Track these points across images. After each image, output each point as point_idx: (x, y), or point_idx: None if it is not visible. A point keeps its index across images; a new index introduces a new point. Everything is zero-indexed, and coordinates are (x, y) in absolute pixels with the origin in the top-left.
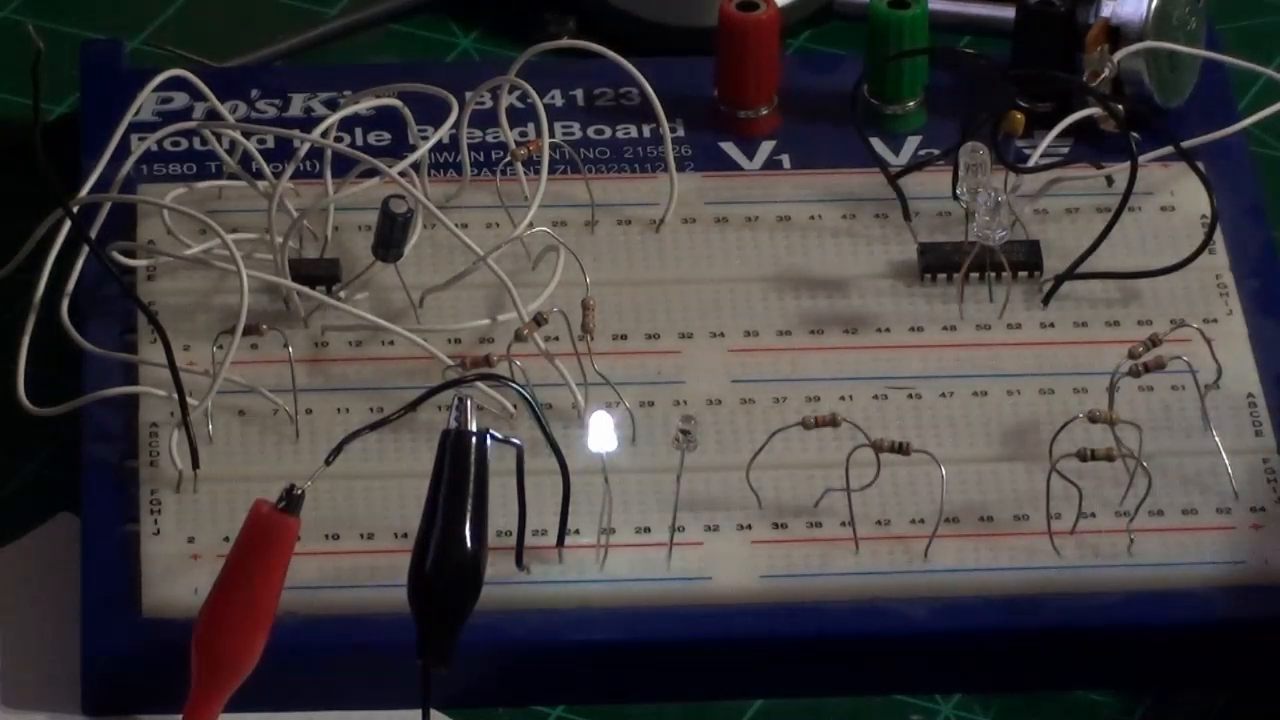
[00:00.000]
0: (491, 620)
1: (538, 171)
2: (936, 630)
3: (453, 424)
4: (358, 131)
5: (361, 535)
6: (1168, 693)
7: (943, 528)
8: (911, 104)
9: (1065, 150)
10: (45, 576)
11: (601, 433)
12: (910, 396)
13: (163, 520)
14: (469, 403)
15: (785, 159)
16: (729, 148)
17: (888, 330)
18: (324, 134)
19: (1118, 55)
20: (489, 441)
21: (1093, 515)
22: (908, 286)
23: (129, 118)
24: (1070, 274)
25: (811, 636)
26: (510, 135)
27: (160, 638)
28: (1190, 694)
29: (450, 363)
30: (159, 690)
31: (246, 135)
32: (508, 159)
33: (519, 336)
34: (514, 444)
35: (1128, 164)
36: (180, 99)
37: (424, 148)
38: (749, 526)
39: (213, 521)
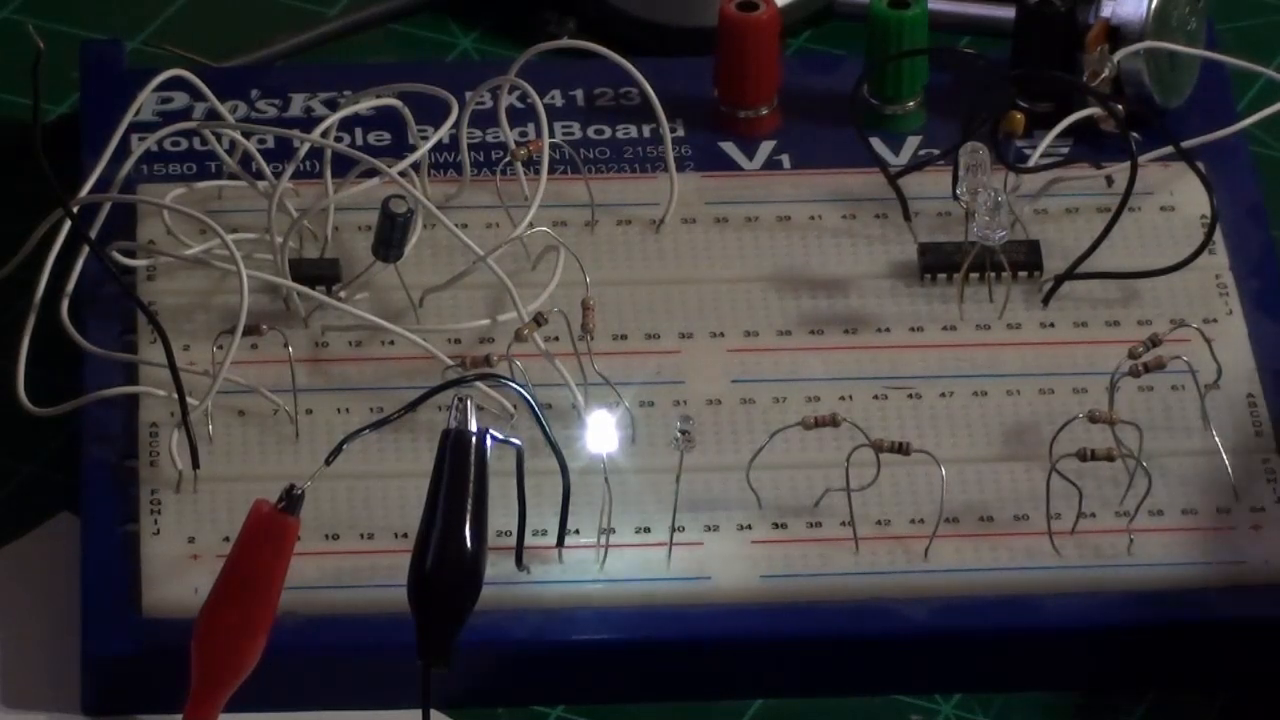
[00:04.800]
0: (491, 620)
1: (538, 171)
2: (936, 630)
3: (453, 424)
4: (358, 131)
5: (361, 535)
6: (1168, 693)
7: (943, 528)
8: (911, 104)
9: (1065, 150)
10: (45, 576)
11: (601, 433)
12: (910, 396)
13: (163, 520)
14: (469, 403)
15: (785, 159)
16: (729, 148)
17: (888, 330)
18: (324, 134)
19: (1118, 55)
20: (489, 441)
21: (1093, 515)
22: (908, 286)
23: (129, 118)
24: (1070, 274)
25: (811, 636)
26: (510, 135)
27: (160, 638)
28: (1190, 694)
29: (450, 363)
30: (159, 690)
31: (246, 135)
32: (508, 159)
33: (519, 336)
34: (514, 444)
35: (1128, 164)
36: (180, 99)
37: (424, 148)
38: (749, 526)
39: (213, 521)
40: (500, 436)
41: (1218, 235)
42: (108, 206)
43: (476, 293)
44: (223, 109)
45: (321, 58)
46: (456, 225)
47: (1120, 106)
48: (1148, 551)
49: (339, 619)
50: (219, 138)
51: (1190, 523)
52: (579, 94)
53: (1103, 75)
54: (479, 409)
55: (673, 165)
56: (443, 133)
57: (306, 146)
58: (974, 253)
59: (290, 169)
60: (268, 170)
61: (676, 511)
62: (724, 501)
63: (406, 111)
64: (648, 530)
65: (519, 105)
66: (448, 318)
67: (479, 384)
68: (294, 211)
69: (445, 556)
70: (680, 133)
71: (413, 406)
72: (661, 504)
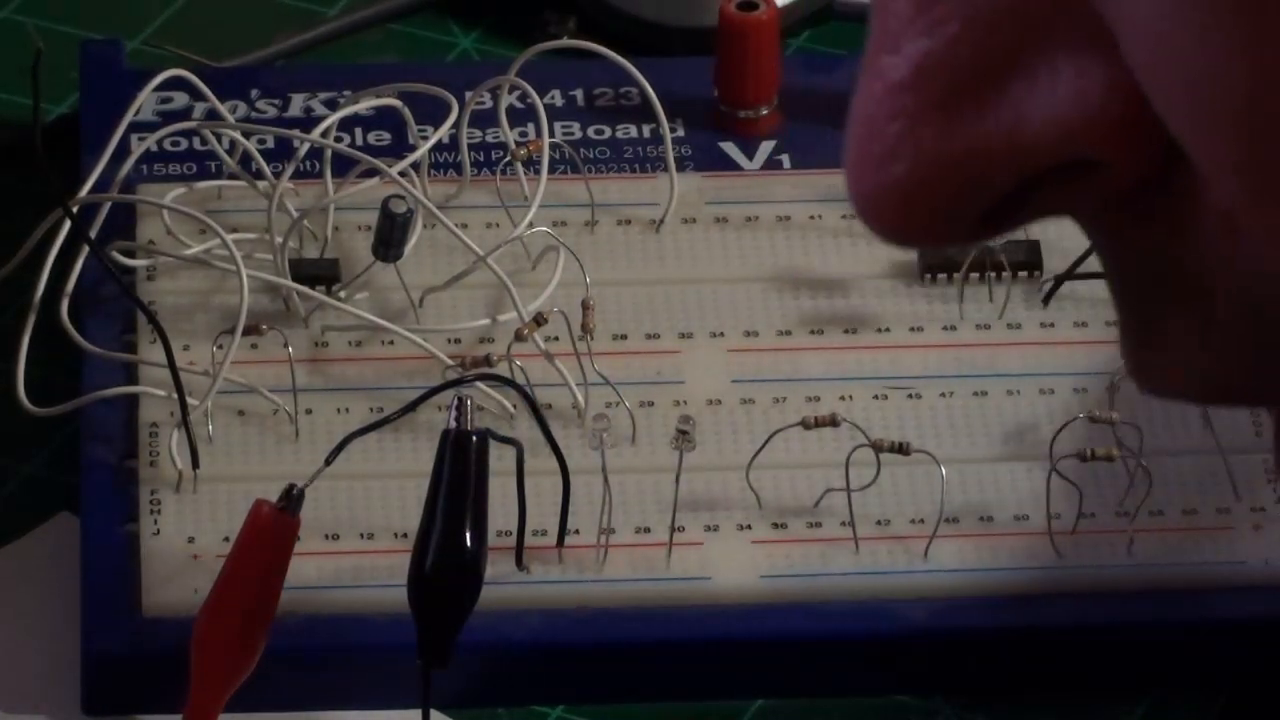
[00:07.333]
0: (491, 620)
1: (538, 171)
2: (936, 630)
3: (453, 424)
4: (358, 131)
5: (361, 535)
6: (1168, 693)
7: (943, 528)
8: None
9: None
10: (45, 576)
11: (601, 433)
12: (910, 396)
13: (163, 520)
14: (469, 403)
15: (785, 159)
16: (729, 148)
17: (888, 330)
18: (324, 134)
19: None
20: (489, 441)
21: (1093, 515)
22: (908, 286)
23: (129, 118)
24: (1070, 274)
25: (811, 636)
26: (510, 135)
27: (160, 638)
28: (1190, 694)
29: (450, 363)
30: (159, 690)
31: (246, 135)
32: (508, 159)
33: (519, 336)
34: (514, 444)
35: None
36: (180, 99)
37: (424, 148)
38: (749, 526)
39: (213, 521)
40: (500, 436)
41: None
42: (107, 206)
43: (476, 293)
44: (223, 109)
45: (321, 58)
46: (456, 225)
47: None
48: (1148, 551)
49: (339, 619)
50: (219, 138)
51: (1190, 523)
52: (579, 94)
53: None
54: (479, 409)
55: (673, 165)
56: (443, 133)
57: (306, 146)
58: (974, 253)
59: (290, 169)
60: (268, 170)
61: (676, 511)
62: (724, 501)
63: (406, 111)
64: (648, 530)
65: (519, 105)
66: (448, 318)
67: (479, 384)
68: (294, 211)
69: (445, 556)
70: (680, 133)
71: (413, 406)
72: (661, 504)
